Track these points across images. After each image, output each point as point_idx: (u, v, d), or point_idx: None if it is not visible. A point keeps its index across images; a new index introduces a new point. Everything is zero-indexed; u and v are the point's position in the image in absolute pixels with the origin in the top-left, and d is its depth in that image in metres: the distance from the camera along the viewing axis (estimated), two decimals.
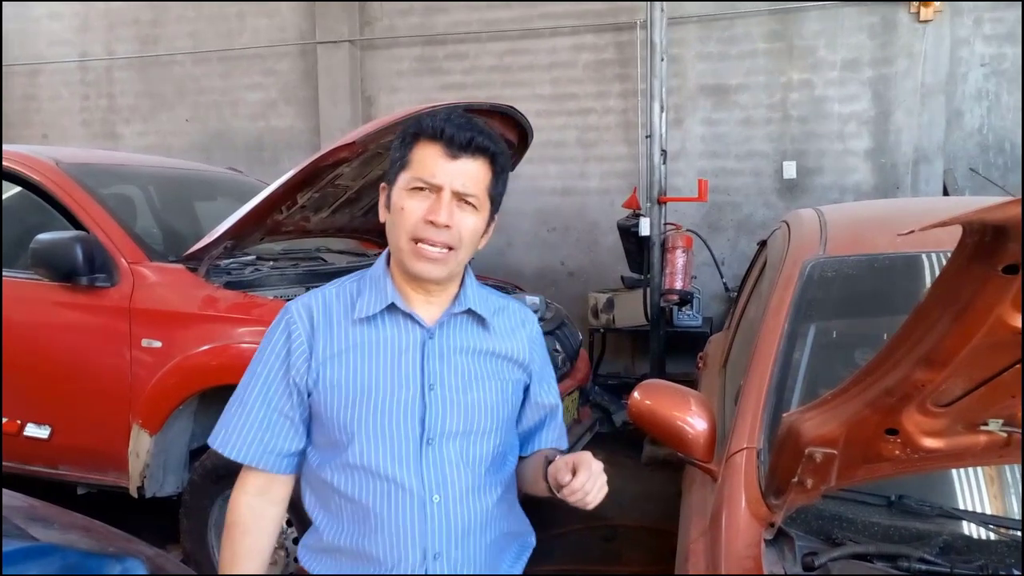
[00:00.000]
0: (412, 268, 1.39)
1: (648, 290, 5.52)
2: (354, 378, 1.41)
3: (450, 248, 1.38)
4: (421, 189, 1.37)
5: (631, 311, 5.90)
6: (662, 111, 5.58)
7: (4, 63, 8.30)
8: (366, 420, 1.39)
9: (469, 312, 1.48)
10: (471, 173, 1.38)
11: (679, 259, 5.36)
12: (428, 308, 1.46)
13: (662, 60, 5.58)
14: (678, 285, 5.35)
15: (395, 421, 1.39)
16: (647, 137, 5.68)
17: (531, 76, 6.89)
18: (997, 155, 6.01)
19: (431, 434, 1.40)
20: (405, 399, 1.40)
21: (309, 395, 1.43)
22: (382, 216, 1.47)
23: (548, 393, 1.61)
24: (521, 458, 1.60)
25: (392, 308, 1.43)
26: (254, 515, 1.47)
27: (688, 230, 5.66)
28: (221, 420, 1.49)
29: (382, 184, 1.48)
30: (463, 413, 1.43)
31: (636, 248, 5.56)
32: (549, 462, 1.41)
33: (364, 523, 1.40)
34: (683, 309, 5.78)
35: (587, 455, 1.34)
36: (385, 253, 1.50)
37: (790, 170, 6.33)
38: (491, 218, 1.47)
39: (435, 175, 1.36)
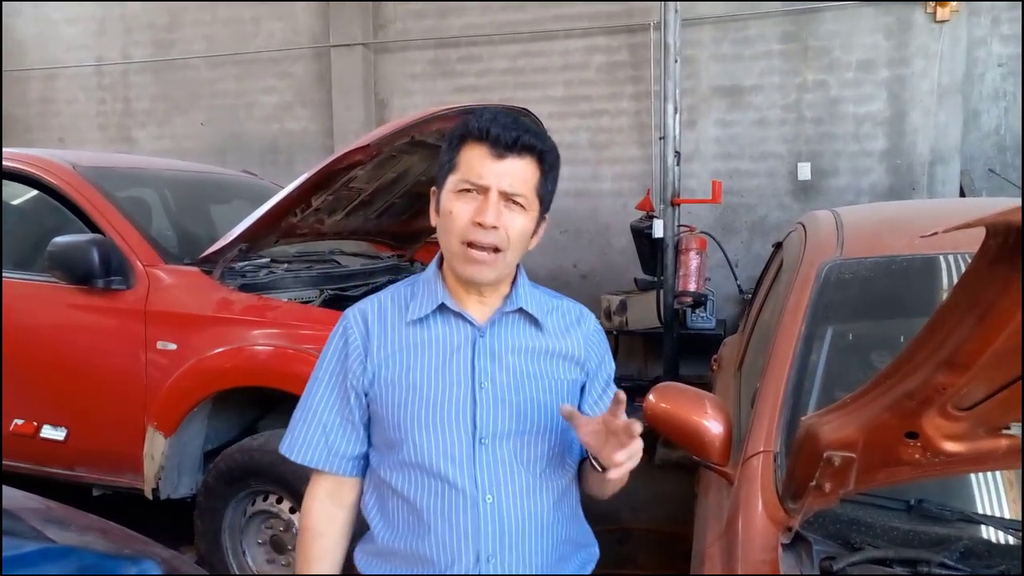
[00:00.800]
0: (462, 272, 1.40)
1: (661, 292, 5.50)
2: (406, 376, 1.43)
3: (497, 250, 1.38)
4: (468, 191, 1.37)
5: (644, 313, 5.88)
6: (676, 112, 5.56)
7: (22, 68, 8.38)
8: (418, 417, 1.41)
9: (521, 311, 1.48)
10: (518, 173, 1.38)
11: (693, 261, 5.34)
12: (480, 308, 1.47)
13: (676, 61, 5.56)
14: (692, 287, 5.33)
15: (447, 418, 1.41)
16: (661, 139, 5.67)
17: (544, 78, 6.88)
18: (1015, 156, 5.95)
19: (483, 433, 1.40)
20: (456, 396, 1.41)
21: (367, 395, 1.46)
22: (433, 220, 1.48)
23: (607, 391, 1.58)
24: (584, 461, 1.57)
25: (443, 308, 1.45)
26: (325, 519, 1.52)
27: (702, 232, 5.64)
28: (289, 428, 1.53)
29: (432, 188, 1.48)
30: (515, 412, 1.43)
31: (649, 250, 5.54)
32: None
33: (418, 524, 1.41)
34: (697, 311, 5.76)
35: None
36: (438, 255, 1.51)
37: (805, 171, 6.29)
38: (541, 218, 1.46)
39: (481, 176, 1.36)
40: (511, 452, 1.42)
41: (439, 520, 1.39)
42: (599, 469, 1.35)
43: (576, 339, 1.53)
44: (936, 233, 0.94)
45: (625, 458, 1.27)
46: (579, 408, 1.54)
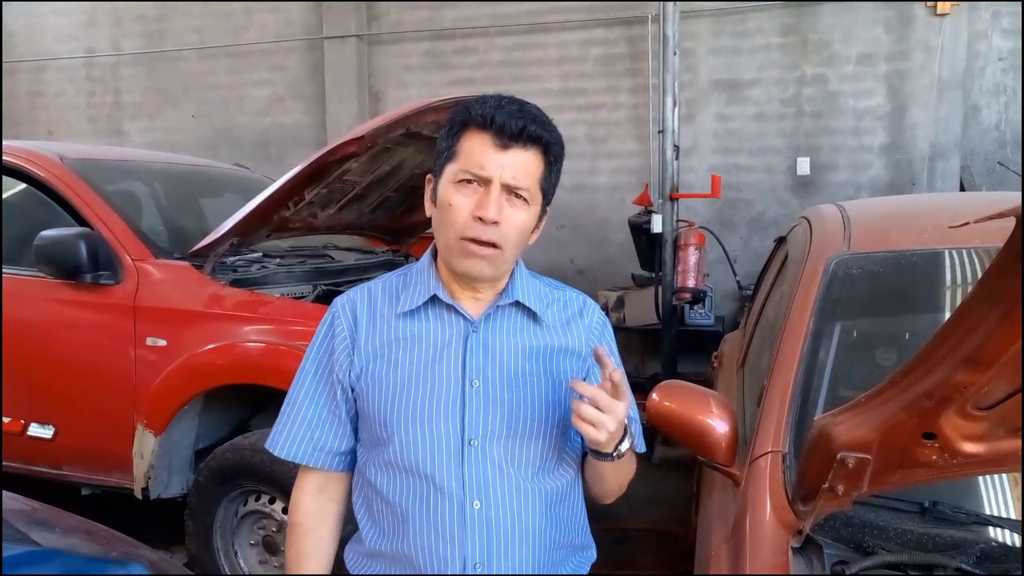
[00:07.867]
0: (460, 266, 1.34)
1: (660, 288, 5.46)
2: (395, 372, 1.37)
3: (498, 247, 1.31)
4: (469, 182, 1.30)
5: (642, 309, 5.85)
6: (674, 106, 5.52)
7: (11, 60, 8.30)
8: (405, 416, 1.35)
9: (518, 305, 1.42)
10: (522, 164, 1.31)
11: (692, 256, 5.29)
12: (475, 303, 1.41)
13: (675, 54, 5.52)
14: (691, 283, 5.29)
15: (434, 418, 1.34)
16: (659, 132, 5.63)
17: (540, 71, 6.85)
18: (1015, 151, 5.92)
19: (472, 434, 1.34)
20: (445, 395, 1.35)
21: (353, 390, 1.41)
22: (428, 210, 1.41)
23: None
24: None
25: (435, 301, 1.39)
26: (315, 514, 1.47)
27: (701, 227, 5.60)
28: (276, 423, 1.47)
29: (428, 176, 1.41)
30: (508, 412, 1.36)
31: (647, 245, 5.50)
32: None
33: (403, 527, 1.36)
34: (695, 307, 5.72)
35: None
36: (432, 246, 1.44)
37: (804, 166, 6.27)
38: (543, 211, 1.41)
39: (484, 167, 1.29)
40: (501, 454, 1.36)
41: (425, 524, 1.34)
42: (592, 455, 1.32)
43: (577, 332, 1.46)
44: (967, 223, 0.90)
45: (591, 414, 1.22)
46: None
